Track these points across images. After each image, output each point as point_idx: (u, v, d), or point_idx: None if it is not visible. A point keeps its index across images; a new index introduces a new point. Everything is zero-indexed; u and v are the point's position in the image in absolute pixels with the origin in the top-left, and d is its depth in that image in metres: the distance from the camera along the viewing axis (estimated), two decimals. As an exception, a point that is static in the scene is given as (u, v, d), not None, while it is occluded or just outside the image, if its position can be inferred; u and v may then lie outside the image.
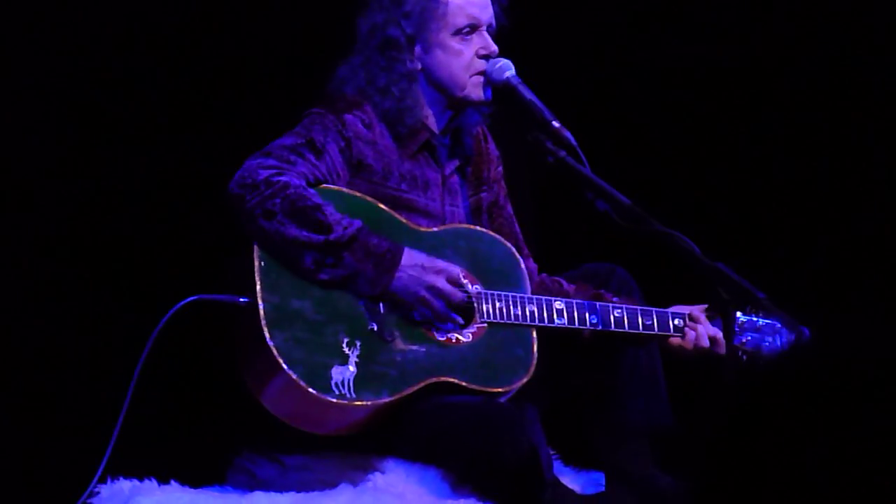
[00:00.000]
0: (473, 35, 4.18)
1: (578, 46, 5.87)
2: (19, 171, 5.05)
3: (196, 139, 5.19)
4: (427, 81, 4.20)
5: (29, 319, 5.09)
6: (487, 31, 4.19)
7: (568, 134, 4.02)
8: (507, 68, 4.17)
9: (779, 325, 4.25)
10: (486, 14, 4.20)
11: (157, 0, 5.12)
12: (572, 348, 4.21)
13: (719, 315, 4.23)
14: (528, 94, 4.12)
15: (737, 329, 4.22)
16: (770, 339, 4.27)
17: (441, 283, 3.97)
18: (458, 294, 4.00)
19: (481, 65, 4.17)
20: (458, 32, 4.16)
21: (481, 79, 4.18)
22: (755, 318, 4.27)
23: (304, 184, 3.96)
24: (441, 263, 4.00)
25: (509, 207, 4.42)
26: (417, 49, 4.17)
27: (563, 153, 3.99)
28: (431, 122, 4.23)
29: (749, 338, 4.25)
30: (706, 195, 5.72)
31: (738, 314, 4.23)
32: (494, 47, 4.18)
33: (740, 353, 4.21)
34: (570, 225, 5.32)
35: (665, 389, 4.26)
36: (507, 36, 4.28)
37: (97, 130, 5.11)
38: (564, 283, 4.33)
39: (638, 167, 5.71)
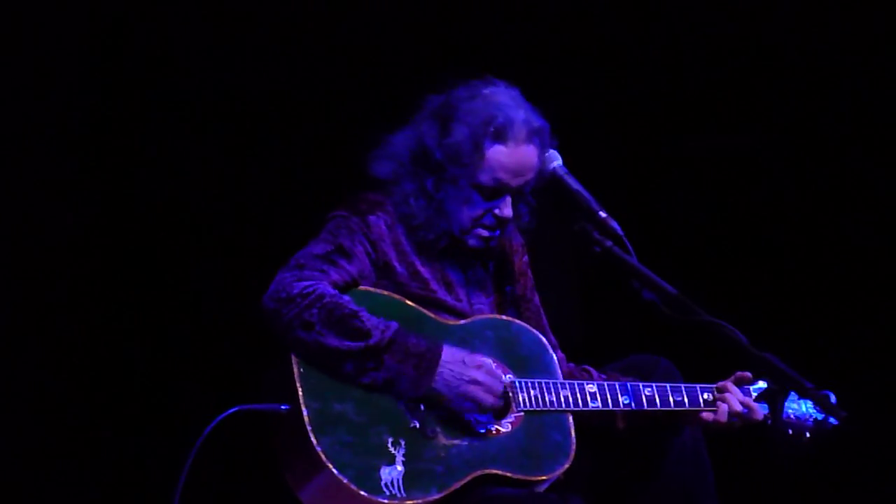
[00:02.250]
0: (495, 195, 4.13)
1: (621, 135, 5.92)
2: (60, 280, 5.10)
3: (230, 253, 5.24)
4: (436, 208, 4.14)
5: (74, 434, 5.12)
6: (515, 193, 4.14)
7: (615, 224, 4.02)
8: (554, 158, 4.17)
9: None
10: (518, 181, 4.13)
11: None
12: (610, 442, 4.20)
13: (767, 399, 4.21)
14: (575, 185, 4.12)
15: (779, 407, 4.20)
16: (795, 405, 4.25)
17: (482, 376, 3.96)
18: (499, 386, 3.99)
19: (490, 221, 4.15)
20: (478, 188, 4.12)
21: (484, 233, 4.15)
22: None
23: (337, 292, 3.96)
24: (480, 359, 4.00)
25: (536, 299, 4.39)
26: (445, 176, 4.11)
27: (609, 243, 3.99)
28: (447, 234, 4.18)
29: (792, 413, 4.24)
30: (753, 285, 5.72)
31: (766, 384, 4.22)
32: (509, 214, 4.13)
33: (787, 430, 4.19)
34: (616, 315, 5.32)
35: (712, 475, 4.23)
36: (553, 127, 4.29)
37: (141, 248, 5.17)
38: (594, 372, 4.31)
39: (681, 257, 5.72)
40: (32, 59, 5.11)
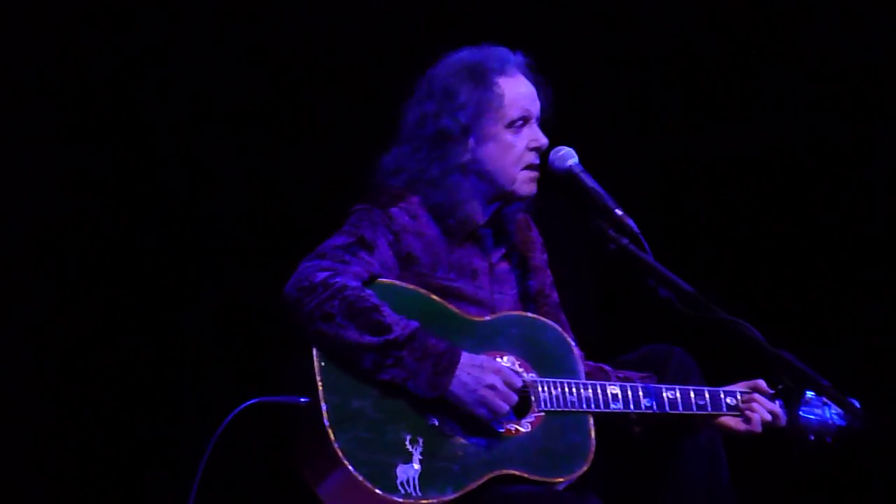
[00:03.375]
0: (524, 128, 4.18)
1: (638, 133, 5.92)
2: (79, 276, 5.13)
3: (248, 243, 5.25)
4: (476, 173, 4.17)
5: (91, 424, 5.14)
6: (536, 122, 4.20)
7: (631, 221, 4.02)
8: (569, 156, 4.17)
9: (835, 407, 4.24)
10: (536, 107, 4.20)
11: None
12: (625, 441, 4.20)
13: (782, 398, 4.21)
14: (591, 182, 4.13)
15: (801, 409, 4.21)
16: (819, 410, 4.25)
17: (499, 382, 3.94)
18: (513, 396, 3.96)
19: (532, 157, 4.17)
20: (511, 125, 4.15)
21: (532, 173, 4.17)
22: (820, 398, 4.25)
23: (359, 284, 3.95)
24: (499, 364, 3.99)
25: (555, 295, 4.39)
26: (470, 140, 4.15)
27: (625, 241, 4.00)
28: (478, 214, 4.22)
29: (812, 416, 4.24)
30: (770, 282, 5.72)
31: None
32: (545, 140, 4.18)
33: (809, 435, 4.19)
34: (632, 313, 5.33)
35: (728, 475, 4.23)
36: (567, 125, 4.30)
37: (163, 238, 5.19)
38: (610, 370, 4.31)
39: (698, 254, 5.72)
40: (32, 58, 5.14)
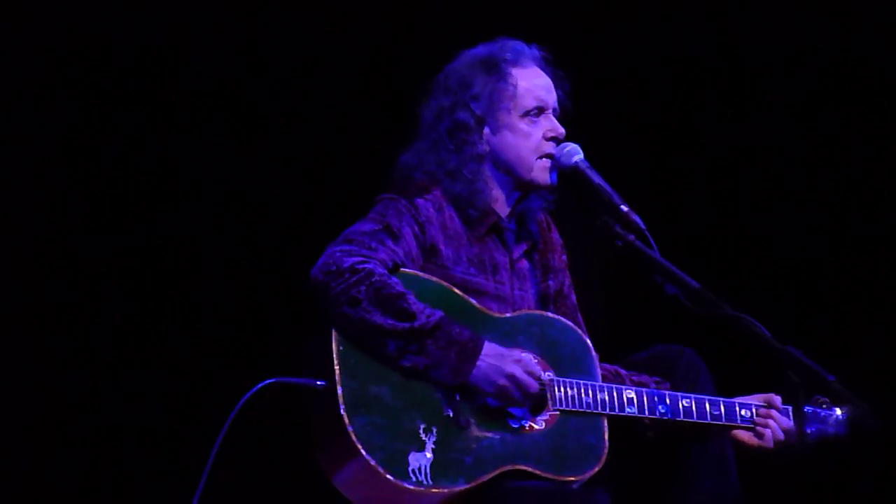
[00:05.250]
0: (541, 118, 4.20)
1: (643, 130, 5.92)
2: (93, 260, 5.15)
3: (271, 227, 5.27)
4: (494, 164, 4.21)
5: (106, 404, 5.17)
6: (553, 114, 4.23)
7: (637, 218, 4.02)
8: (575, 153, 4.18)
9: (840, 416, 4.24)
10: (552, 97, 4.23)
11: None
12: (637, 447, 4.21)
13: (788, 397, 4.21)
14: (597, 179, 4.13)
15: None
16: (833, 428, 4.26)
17: (519, 372, 3.96)
18: (534, 384, 3.99)
19: (549, 147, 4.19)
20: (526, 114, 4.18)
21: (548, 162, 4.19)
22: (818, 410, 4.26)
23: (385, 271, 3.97)
24: (518, 353, 4.01)
25: (573, 297, 4.41)
26: (486, 131, 4.19)
27: (631, 237, 4.00)
28: (499, 205, 4.24)
29: (814, 429, 4.25)
30: (776, 278, 5.72)
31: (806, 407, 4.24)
32: (561, 129, 4.20)
33: (809, 434, 4.19)
34: (638, 309, 5.33)
35: (736, 477, 4.23)
36: (577, 120, 4.31)
37: (186, 217, 5.21)
38: (622, 371, 4.31)
39: (704, 250, 5.72)
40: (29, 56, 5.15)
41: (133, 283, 5.27)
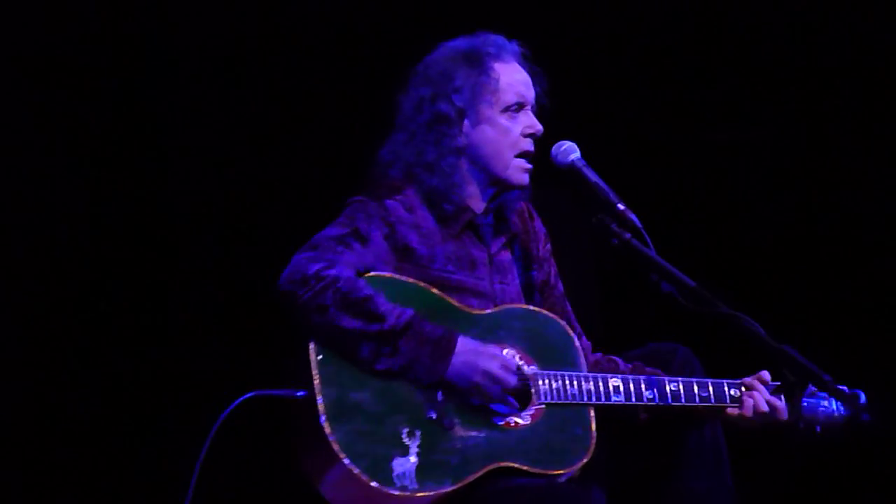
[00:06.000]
0: (520, 114, 4.19)
1: (640, 128, 5.92)
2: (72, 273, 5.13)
3: (244, 238, 5.25)
4: (471, 159, 4.18)
5: (88, 419, 5.14)
6: (531, 110, 4.22)
7: (633, 216, 4.01)
8: (571, 151, 4.16)
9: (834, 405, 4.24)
10: (531, 94, 4.21)
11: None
12: (632, 434, 4.20)
13: (784, 394, 4.20)
14: (593, 177, 4.12)
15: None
16: (826, 402, 4.25)
17: (495, 368, 3.95)
18: (512, 380, 3.97)
19: (526, 143, 4.18)
20: (507, 109, 4.16)
21: (525, 163, 4.18)
22: (812, 399, 4.25)
23: (353, 275, 3.95)
24: (494, 349, 3.99)
25: (560, 286, 4.39)
26: (466, 123, 4.16)
27: (628, 235, 4.00)
28: (474, 201, 4.22)
29: (806, 404, 4.23)
30: (773, 277, 5.72)
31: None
32: (540, 126, 4.19)
33: (800, 423, 4.18)
34: (634, 308, 5.33)
35: (730, 472, 4.22)
36: (573, 117, 4.31)
37: (158, 237, 5.19)
38: (621, 363, 4.30)
39: (700, 248, 5.73)
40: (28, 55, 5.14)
41: (115, 297, 5.24)
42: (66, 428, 5.15)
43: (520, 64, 4.22)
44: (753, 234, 5.86)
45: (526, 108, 4.19)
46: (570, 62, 5.65)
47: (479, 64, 4.16)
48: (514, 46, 4.23)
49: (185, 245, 5.35)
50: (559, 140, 4.18)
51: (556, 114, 4.24)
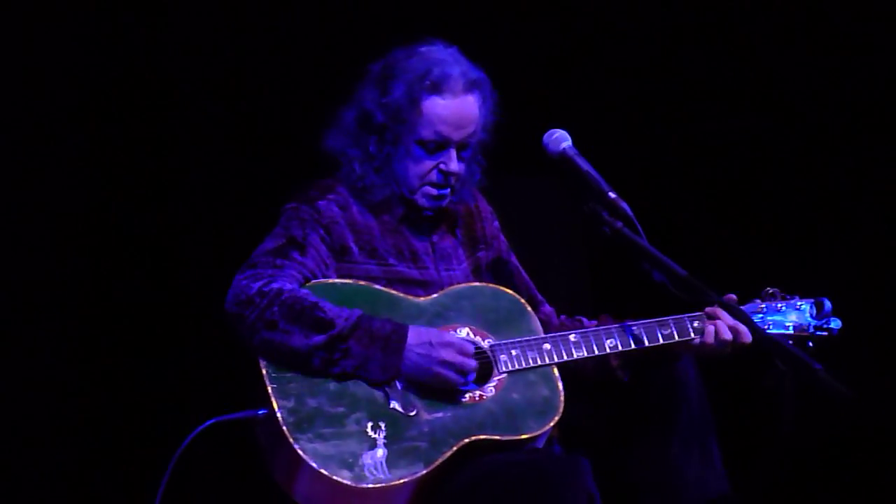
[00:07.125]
0: (437, 150, 4.16)
1: (630, 117, 5.92)
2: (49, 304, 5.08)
3: (212, 256, 5.21)
4: (386, 169, 4.18)
5: (50, 451, 5.09)
6: (459, 147, 4.17)
7: (624, 205, 4.02)
8: (563, 139, 4.16)
9: (800, 303, 4.22)
10: (459, 134, 4.16)
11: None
12: (611, 389, 4.20)
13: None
14: (585, 165, 4.12)
15: (760, 315, 4.19)
16: (812, 321, 4.24)
17: (451, 355, 3.96)
18: (471, 363, 3.98)
19: (436, 177, 4.17)
20: (420, 143, 4.15)
21: (433, 191, 4.17)
22: (775, 303, 4.23)
23: (296, 286, 3.98)
24: (447, 335, 4.01)
25: (514, 258, 4.41)
26: (387, 136, 4.16)
27: (619, 224, 4.00)
28: (401, 197, 4.21)
29: (770, 324, 4.22)
30: (764, 266, 5.73)
31: (758, 301, 4.21)
32: (455, 167, 4.16)
33: (788, 341, 4.12)
34: (626, 297, 5.34)
35: (719, 456, 4.22)
36: (564, 103, 4.28)
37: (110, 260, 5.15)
38: (585, 320, 4.33)
39: (692, 237, 5.74)
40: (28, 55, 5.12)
41: (82, 319, 5.18)
42: (25, 458, 5.06)
43: (462, 98, 4.15)
44: (744, 223, 5.86)
45: (448, 147, 4.15)
46: (561, 49, 5.65)
47: (412, 91, 4.12)
48: (466, 75, 4.15)
49: (150, 269, 5.28)
50: (551, 128, 4.19)
51: (547, 101, 4.23)
